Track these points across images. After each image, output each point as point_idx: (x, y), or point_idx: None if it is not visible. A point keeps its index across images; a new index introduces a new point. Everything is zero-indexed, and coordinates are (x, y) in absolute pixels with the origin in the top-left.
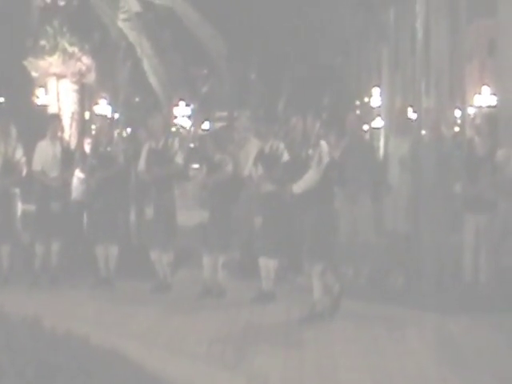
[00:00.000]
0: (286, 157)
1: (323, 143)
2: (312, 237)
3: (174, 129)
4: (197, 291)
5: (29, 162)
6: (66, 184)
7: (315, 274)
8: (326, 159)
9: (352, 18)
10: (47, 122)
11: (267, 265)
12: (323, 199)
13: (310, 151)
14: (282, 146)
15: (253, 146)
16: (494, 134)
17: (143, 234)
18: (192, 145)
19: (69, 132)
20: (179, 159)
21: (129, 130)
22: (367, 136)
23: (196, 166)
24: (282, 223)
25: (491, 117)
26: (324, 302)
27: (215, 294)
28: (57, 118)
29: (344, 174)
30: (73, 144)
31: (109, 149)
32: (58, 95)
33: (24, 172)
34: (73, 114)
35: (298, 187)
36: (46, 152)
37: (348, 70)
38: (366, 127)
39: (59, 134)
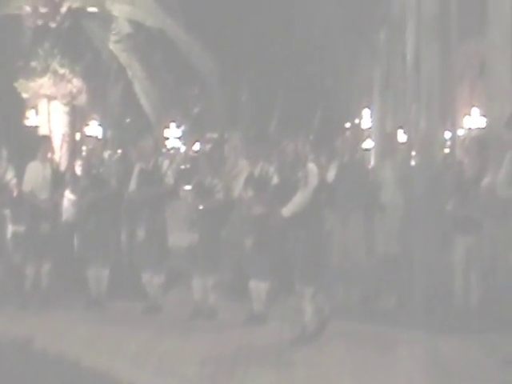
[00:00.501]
0: (275, 179)
1: (311, 165)
2: (303, 260)
3: (164, 150)
4: (188, 313)
5: (19, 183)
6: (56, 205)
7: (306, 296)
8: (314, 181)
9: (343, 40)
10: (38, 144)
11: (258, 287)
12: (313, 221)
13: (300, 174)
14: (272, 168)
15: (243, 168)
16: (483, 155)
17: (134, 255)
18: (183, 166)
19: (59, 153)
20: (170, 180)
21: (120, 151)
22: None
23: (187, 187)
24: (272, 245)
25: (480, 138)
26: (315, 324)
27: (206, 316)
28: (47, 139)
29: (334, 196)
30: (63, 165)
31: (101, 170)
32: (48, 117)
33: (14, 193)
34: (63, 135)
35: (288, 210)
36: (36, 173)
37: (339, 91)
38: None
39: (50, 155)
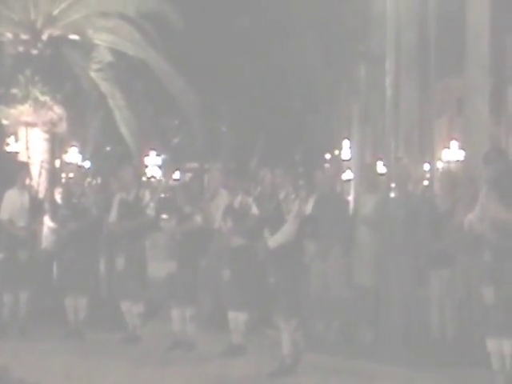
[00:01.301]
0: (254, 210)
1: (294, 197)
2: (284, 292)
3: (144, 178)
4: (166, 344)
5: None
6: (35, 233)
7: (286, 329)
8: (300, 213)
9: (323, 74)
10: (16, 171)
11: (236, 318)
12: (296, 253)
13: (284, 205)
14: (250, 200)
15: (222, 199)
16: (454, 189)
17: (114, 284)
18: (163, 195)
19: (38, 180)
20: (151, 211)
21: (99, 179)
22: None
23: (166, 216)
24: (250, 276)
25: (451, 173)
26: (293, 356)
27: (184, 347)
28: (25, 166)
29: (318, 229)
30: (41, 193)
31: (81, 199)
32: (27, 143)
33: None
34: (42, 162)
35: (274, 241)
36: (14, 201)
37: (319, 123)
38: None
39: (28, 182)
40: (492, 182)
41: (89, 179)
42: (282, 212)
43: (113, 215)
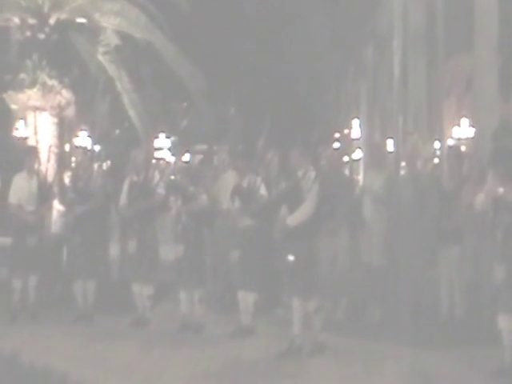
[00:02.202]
0: (263, 191)
1: (313, 174)
2: (304, 272)
3: (154, 161)
4: (176, 326)
5: (6, 195)
6: (43, 218)
7: (302, 309)
8: (319, 192)
9: (332, 54)
10: (24, 156)
11: (246, 298)
12: (315, 232)
13: (303, 183)
14: (259, 180)
15: (231, 180)
16: (461, 167)
17: (125, 266)
18: (173, 177)
19: (46, 165)
20: (161, 192)
21: (109, 162)
22: (347, 169)
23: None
24: (259, 257)
25: (457, 151)
26: (303, 337)
27: (194, 329)
28: (34, 150)
29: (336, 207)
30: (50, 177)
31: (88, 183)
32: (35, 128)
33: (1, 205)
34: (50, 146)
35: (293, 219)
36: (22, 185)
37: (328, 102)
38: (346, 159)
39: (36, 167)
40: (498, 160)
41: (98, 163)
42: (301, 191)
43: (123, 197)
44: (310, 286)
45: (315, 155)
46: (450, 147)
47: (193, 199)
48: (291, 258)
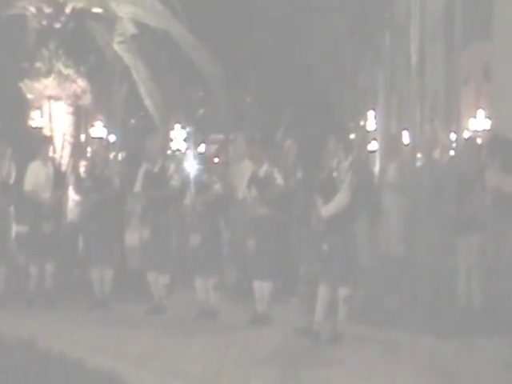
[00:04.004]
0: (280, 181)
1: (345, 164)
2: (338, 261)
3: (170, 151)
4: (192, 313)
5: (22, 184)
6: (59, 205)
7: (329, 297)
8: (353, 182)
9: (348, 43)
10: (39, 144)
11: (261, 287)
12: (349, 222)
13: (335, 174)
14: (276, 170)
15: (247, 168)
16: (478, 157)
17: (140, 255)
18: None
19: (61, 153)
20: (175, 182)
21: (124, 152)
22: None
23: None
24: (275, 246)
25: (474, 142)
26: (323, 324)
27: (209, 316)
28: (48, 139)
29: (371, 198)
30: (64, 165)
31: (104, 171)
32: (50, 117)
33: (18, 193)
34: (64, 135)
35: (328, 210)
36: (37, 173)
37: (344, 93)
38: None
39: (51, 155)
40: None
41: (114, 152)
42: (335, 180)
43: (138, 185)
44: (345, 274)
45: (348, 144)
46: (467, 139)
47: (208, 188)
48: (325, 247)
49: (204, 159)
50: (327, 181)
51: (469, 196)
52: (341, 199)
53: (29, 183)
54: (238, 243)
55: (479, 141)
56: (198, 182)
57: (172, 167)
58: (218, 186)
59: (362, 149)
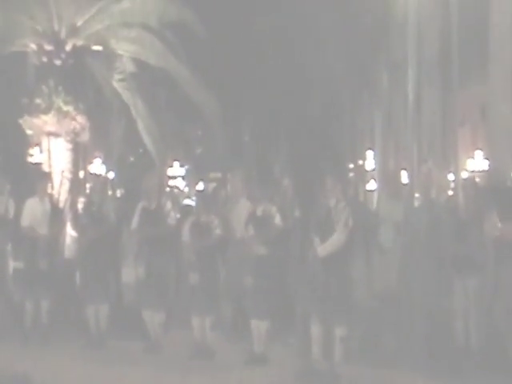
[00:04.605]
0: (278, 220)
1: (344, 205)
2: (334, 300)
3: (168, 189)
4: (188, 352)
5: (19, 219)
6: (56, 241)
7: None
8: (350, 221)
9: (345, 83)
10: (37, 180)
11: (259, 326)
12: (345, 262)
13: (332, 213)
14: (274, 208)
15: (243, 207)
16: (476, 197)
17: (135, 293)
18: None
19: (59, 190)
20: (172, 220)
21: (122, 189)
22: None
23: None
24: (273, 285)
25: (472, 182)
26: (321, 363)
27: (206, 356)
28: (46, 175)
29: (368, 238)
30: (62, 202)
31: (101, 208)
32: (49, 153)
33: (15, 229)
34: (63, 171)
35: (324, 249)
36: (34, 209)
37: (342, 132)
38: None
39: (48, 191)
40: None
41: (111, 189)
42: (332, 220)
43: (134, 222)
44: (341, 314)
45: (345, 184)
46: (465, 179)
47: (206, 229)
48: (320, 286)
49: (202, 197)
50: (324, 220)
51: (466, 236)
52: (337, 239)
53: (26, 219)
54: (235, 282)
55: (477, 181)
56: (197, 224)
57: (169, 205)
58: (218, 231)
59: (361, 188)
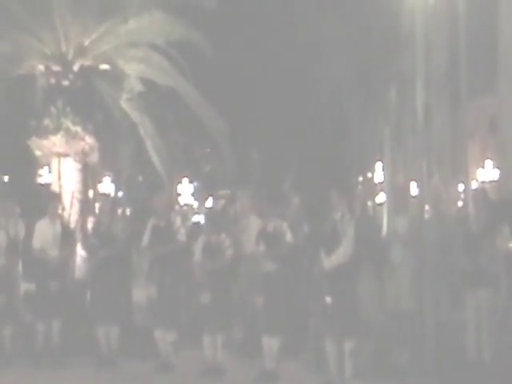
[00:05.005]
0: (289, 237)
1: (348, 218)
2: (342, 314)
3: (177, 206)
4: (199, 371)
5: (30, 241)
6: (66, 263)
7: (337, 351)
8: (353, 234)
9: (354, 95)
10: (47, 201)
11: (270, 343)
12: (352, 275)
13: (338, 227)
14: (285, 225)
15: (253, 224)
16: (488, 209)
17: (146, 312)
18: (195, 222)
19: (69, 211)
20: (182, 237)
21: (131, 208)
22: (370, 212)
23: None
24: (284, 302)
25: (484, 193)
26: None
27: (217, 374)
28: (56, 196)
29: (374, 251)
30: (73, 223)
31: (111, 228)
32: (59, 174)
33: (26, 251)
34: (73, 192)
35: (330, 262)
36: (45, 231)
37: (351, 145)
38: (369, 203)
39: (59, 212)
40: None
41: (121, 209)
42: (338, 233)
43: (145, 240)
44: (348, 327)
45: (350, 198)
46: (475, 190)
47: (218, 248)
48: (329, 299)
49: (212, 215)
50: (331, 234)
51: (477, 249)
52: (343, 252)
53: (37, 241)
54: (246, 299)
55: (487, 192)
56: (208, 245)
57: (178, 221)
58: (230, 252)
59: (370, 201)
